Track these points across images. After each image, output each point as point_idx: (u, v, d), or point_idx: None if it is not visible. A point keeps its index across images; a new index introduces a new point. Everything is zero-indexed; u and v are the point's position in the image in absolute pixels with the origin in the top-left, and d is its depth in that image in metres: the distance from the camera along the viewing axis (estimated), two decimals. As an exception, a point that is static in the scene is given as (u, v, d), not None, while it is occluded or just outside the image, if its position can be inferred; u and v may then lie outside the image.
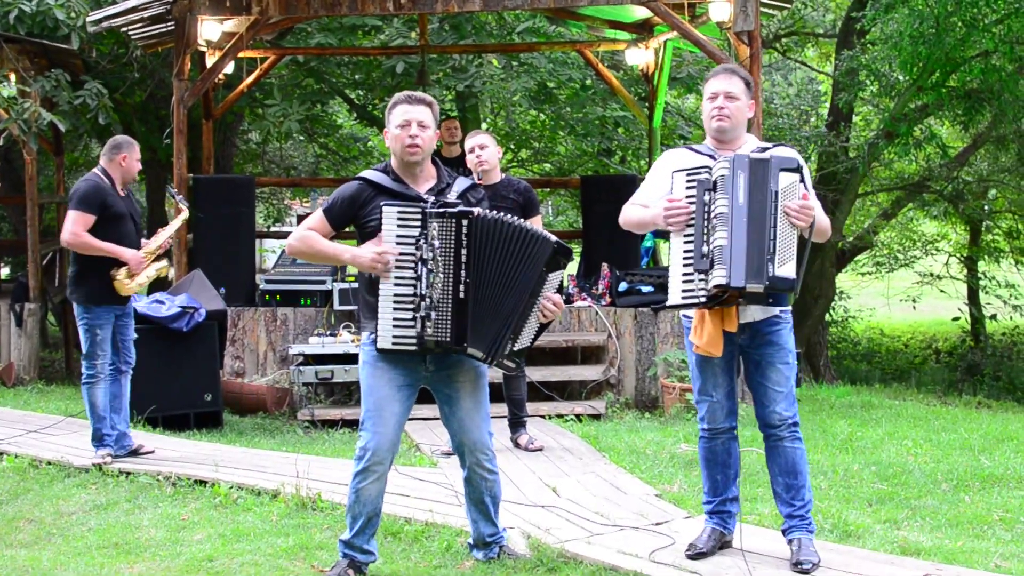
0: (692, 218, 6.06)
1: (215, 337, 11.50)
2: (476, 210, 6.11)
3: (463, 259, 6.04)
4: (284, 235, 21.86)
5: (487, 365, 6.26)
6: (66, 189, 17.76)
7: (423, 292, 6.01)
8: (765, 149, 6.31)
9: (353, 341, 11.86)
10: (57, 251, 17.10)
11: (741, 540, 6.53)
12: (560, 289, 6.43)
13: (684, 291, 6.06)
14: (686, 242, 6.07)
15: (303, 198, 30.30)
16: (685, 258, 6.06)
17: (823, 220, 6.22)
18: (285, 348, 12.63)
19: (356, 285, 12.46)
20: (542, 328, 6.32)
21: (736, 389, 6.58)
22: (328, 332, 12.29)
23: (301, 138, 23.77)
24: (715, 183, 6.03)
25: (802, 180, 6.08)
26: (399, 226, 6.03)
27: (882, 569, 6.30)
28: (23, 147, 14.62)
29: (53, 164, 17.76)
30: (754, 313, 6.31)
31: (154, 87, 17.48)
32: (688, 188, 6.11)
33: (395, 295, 6.03)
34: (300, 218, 17.61)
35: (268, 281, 13.28)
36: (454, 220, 6.03)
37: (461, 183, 6.37)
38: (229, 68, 15.15)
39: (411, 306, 6.03)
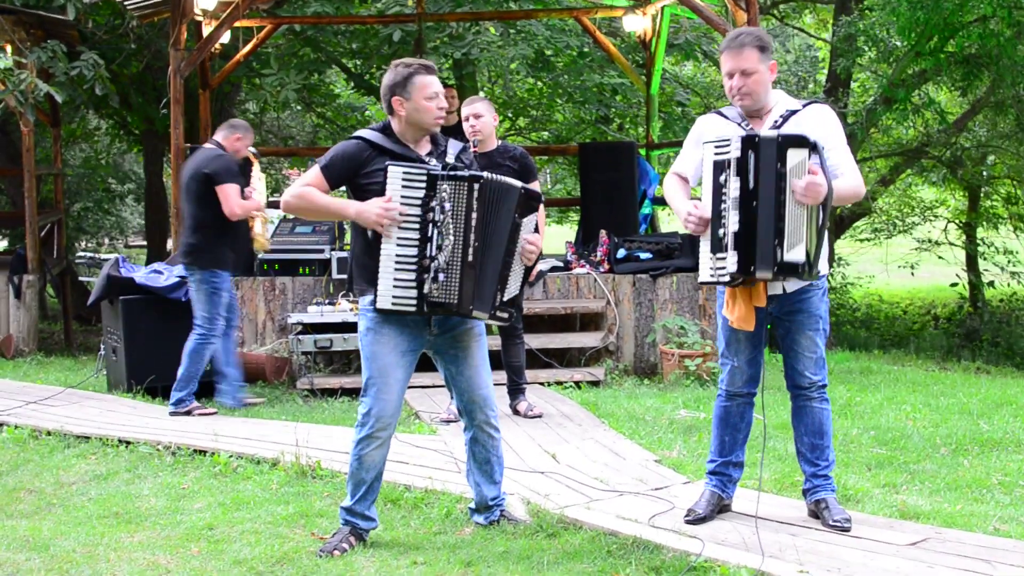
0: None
1: (214, 307, 11.50)
2: (485, 174, 6.13)
3: (473, 222, 6.06)
4: (282, 205, 21.86)
5: (485, 322, 6.30)
6: (63, 160, 17.79)
7: (432, 254, 6.01)
8: (792, 113, 6.35)
9: (352, 310, 11.84)
10: (55, 223, 17.09)
11: (758, 507, 6.55)
12: (536, 229, 6.43)
13: (712, 268, 6.09)
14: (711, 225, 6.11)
15: (301, 168, 30.20)
16: (712, 240, 6.09)
17: (844, 186, 6.17)
18: (284, 317, 12.62)
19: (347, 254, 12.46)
20: (527, 272, 6.36)
21: (760, 358, 6.58)
22: (327, 301, 12.28)
23: (298, 108, 23.74)
24: (729, 163, 6.02)
25: (814, 153, 6.03)
26: (404, 186, 6.02)
27: (881, 533, 6.31)
28: (20, 118, 14.59)
29: (50, 135, 17.74)
30: (783, 285, 6.32)
31: (150, 57, 17.46)
32: (715, 167, 6.10)
33: (397, 255, 6.03)
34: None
35: (266, 250, 13.24)
36: (466, 183, 6.04)
37: (454, 146, 6.38)
38: (225, 38, 15.10)
39: (413, 267, 6.03)
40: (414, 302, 6.05)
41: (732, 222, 5.96)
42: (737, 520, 6.50)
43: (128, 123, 20.71)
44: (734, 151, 6.00)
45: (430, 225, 6.02)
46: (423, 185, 6.03)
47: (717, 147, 6.10)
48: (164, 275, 11.28)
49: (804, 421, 6.55)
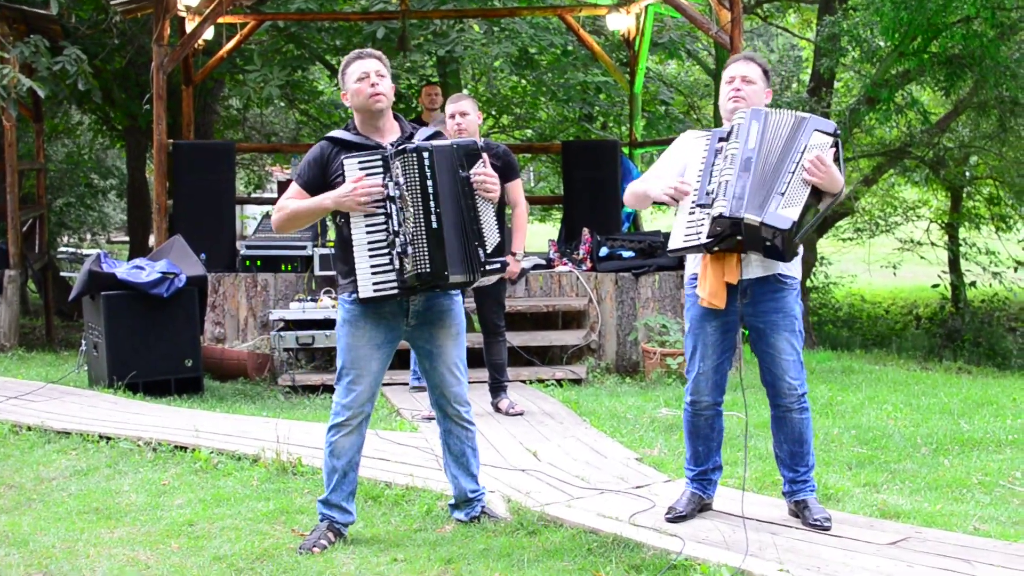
0: (697, 185, 6.16)
1: (195, 303, 11.48)
2: (431, 142, 6.16)
3: (430, 190, 6.07)
4: (264, 201, 21.84)
5: (474, 282, 6.29)
6: (46, 156, 17.74)
7: (395, 229, 6.04)
8: None
9: (334, 306, 11.84)
10: (37, 218, 17.04)
11: (743, 505, 6.56)
12: (480, 163, 6.38)
13: (686, 234, 6.11)
14: (694, 191, 6.14)
15: (283, 164, 30.20)
16: (691, 204, 6.12)
17: (836, 177, 6.20)
18: (266, 314, 12.61)
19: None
20: (499, 208, 6.44)
21: (727, 365, 6.56)
22: (309, 297, 12.27)
23: (281, 104, 23.70)
24: (729, 133, 6.16)
25: (835, 147, 6.14)
26: (361, 173, 6.08)
27: (861, 532, 6.33)
28: (2, 113, 14.54)
29: (32, 130, 17.66)
30: (755, 268, 6.31)
31: (134, 53, 17.40)
32: (705, 146, 6.22)
33: (369, 243, 6.08)
34: (280, 184, 17.56)
35: (248, 247, 13.24)
36: (415, 154, 6.06)
37: (423, 132, 6.39)
38: (209, 34, 15.07)
39: (385, 250, 6.07)
40: (395, 284, 6.08)
41: (725, 174, 6.04)
42: (718, 519, 6.51)
43: (111, 119, 20.65)
44: (738, 120, 6.18)
45: (387, 202, 6.06)
46: (379, 169, 6.08)
47: (711, 135, 6.25)
48: (146, 271, 11.25)
49: (784, 431, 6.53)
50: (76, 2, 15.24)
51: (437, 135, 6.45)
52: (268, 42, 19.59)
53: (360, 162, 6.10)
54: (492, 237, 6.24)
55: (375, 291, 6.09)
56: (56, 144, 24.01)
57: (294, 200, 6.30)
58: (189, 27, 14.38)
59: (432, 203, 6.07)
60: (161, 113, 12.97)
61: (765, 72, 6.54)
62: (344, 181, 6.10)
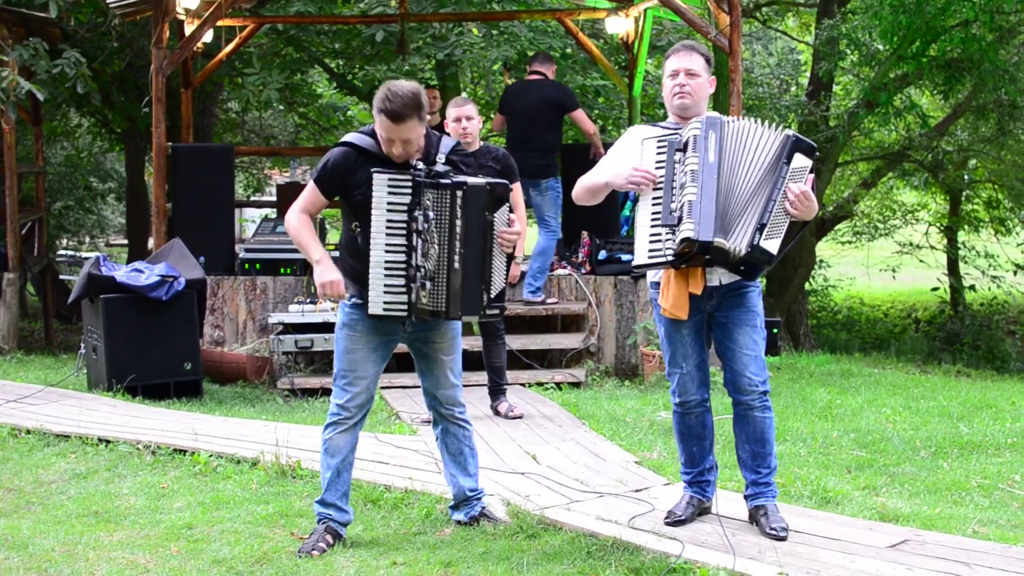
0: (660, 182, 6.09)
1: (194, 306, 11.47)
2: (467, 179, 6.14)
3: (458, 230, 6.08)
4: (263, 204, 21.84)
5: (478, 322, 6.37)
6: (45, 159, 17.74)
7: (418, 263, 6.05)
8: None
9: (333, 310, 11.83)
10: (36, 221, 17.04)
11: (717, 506, 6.56)
12: (512, 211, 6.43)
13: (651, 251, 6.08)
14: (655, 202, 6.10)
15: (282, 168, 30.16)
16: (653, 217, 6.09)
17: (815, 207, 6.19)
18: (265, 317, 12.61)
19: (336, 254, 12.42)
20: (509, 259, 6.37)
21: (707, 360, 6.55)
22: (308, 301, 12.27)
23: (280, 107, 23.68)
24: (686, 144, 6.06)
25: (813, 170, 6.12)
26: (390, 193, 6.06)
27: (861, 535, 6.33)
28: (1, 116, 14.53)
29: (31, 133, 17.65)
30: (720, 276, 6.27)
31: (133, 56, 17.38)
32: (659, 153, 6.15)
33: (386, 262, 6.09)
34: (280, 188, 17.52)
35: (248, 250, 13.23)
36: (448, 192, 6.06)
37: (446, 143, 6.37)
38: (208, 37, 15.05)
39: (402, 273, 6.08)
40: (405, 307, 6.13)
41: (688, 193, 5.96)
42: (717, 522, 6.50)
43: (110, 121, 20.64)
44: (692, 131, 6.06)
45: (414, 235, 6.06)
46: (408, 191, 6.07)
47: (661, 139, 6.18)
48: (145, 274, 11.24)
49: (746, 430, 6.47)
50: (75, 5, 15.22)
51: (457, 148, 6.44)
52: (267, 45, 19.59)
53: (391, 180, 6.08)
54: (499, 283, 6.27)
55: (385, 310, 6.14)
56: (55, 147, 24.01)
57: (307, 230, 6.34)
58: (188, 30, 14.37)
59: (458, 243, 6.08)
60: (160, 116, 12.96)
61: (708, 60, 6.47)
62: (368, 192, 6.08)
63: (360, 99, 22.77)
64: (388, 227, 6.06)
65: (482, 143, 9.52)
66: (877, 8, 16.01)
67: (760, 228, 5.97)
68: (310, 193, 6.35)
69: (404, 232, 6.08)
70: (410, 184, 6.07)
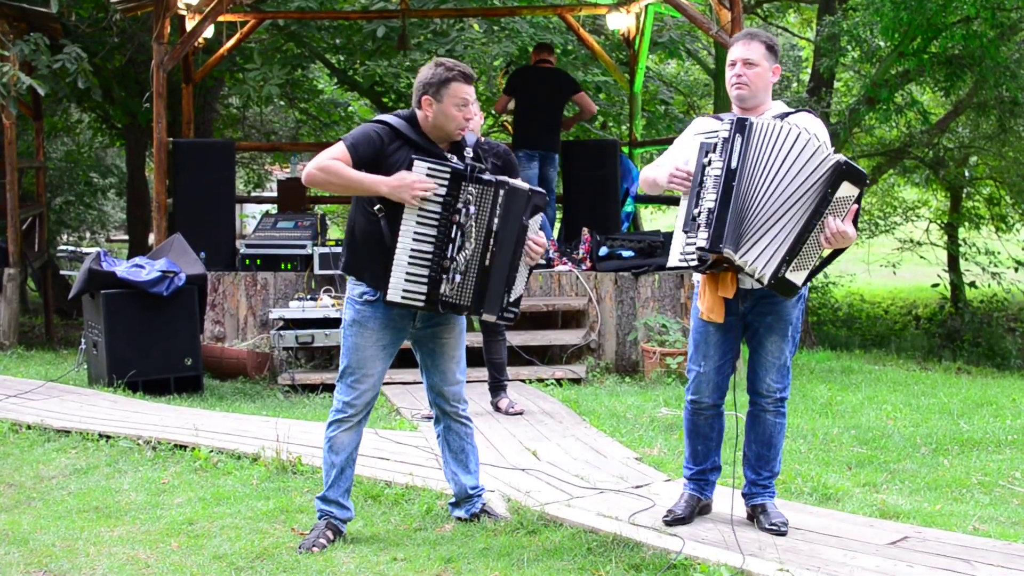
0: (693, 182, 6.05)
1: (195, 302, 11.47)
2: (510, 180, 6.16)
3: (495, 228, 6.11)
4: (264, 200, 21.81)
5: (494, 321, 6.35)
6: (45, 154, 17.73)
7: (452, 255, 6.04)
8: (787, 115, 6.23)
9: (334, 305, 11.84)
10: (36, 216, 17.03)
11: (732, 506, 6.56)
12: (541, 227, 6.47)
13: (681, 253, 6.06)
14: (687, 205, 6.07)
15: (283, 163, 30.20)
16: (685, 220, 6.06)
17: (852, 238, 6.01)
18: (265, 312, 12.60)
19: (337, 249, 12.42)
20: (531, 270, 6.43)
21: (729, 366, 6.49)
22: (308, 296, 12.26)
23: (281, 103, 23.67)
24: (715, 145, 5.96)
25: (858, 200, 5.96)
26: (431, 183, 6.04)
27: (861, 532, 6.33)
28: (2, 111, 14.52)
29: (32, 128, 17.64)
30: (753, 280, 6.14)
31: (134, 51, 17.37)
32: (699, 153, 6.09)
33: (412, 250, 6.05)
34: (280, 183, 17.51)
35: (248, 245, 13.22)
36: (492, 188, 6.09)
37: (470, 137, 6.33)
38: (209, 32, 15.04)
39: (427, 263, 6.05)
40: (423, 298, 6.09)
41: (708, 200, 5.89)
42: (717, 519, 6.51)
43: (111, 117, 20.61)
44: (724, 132, 5.94)
45: (454, 227, 6.05)
46: (446, 182, 6.04)
47: (708, 136, 6.06)
48: (146, 269, 11.24)
49: (756, 430, 6.49)
50: (76, 0, 15.21)
51: (480, 141, 6.46)
52: (268, 40, 19.59)
53: (430, 168, 6.04)
54: (519, 288, 6.30)
55: (403, 298, 6.08)
56: (56, 142, 24.00)
57: (345, 165, 6.07)
58: (189, 25, 14.36)
59: (492, 241, 6.11)
60: (161, 111, 12.94)
61: (770, 48, 6.29)
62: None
63: (361, 95, 22.76)
64: (420, 216, 6.03)
65: (483, 138, 9.51)
66: (878, 4, 15.99)
67: (788, 261, 5.87)
68: (340, 153, 6.10)
69: (435, 223, 6.05)
70: (448, 175, 6.05)
